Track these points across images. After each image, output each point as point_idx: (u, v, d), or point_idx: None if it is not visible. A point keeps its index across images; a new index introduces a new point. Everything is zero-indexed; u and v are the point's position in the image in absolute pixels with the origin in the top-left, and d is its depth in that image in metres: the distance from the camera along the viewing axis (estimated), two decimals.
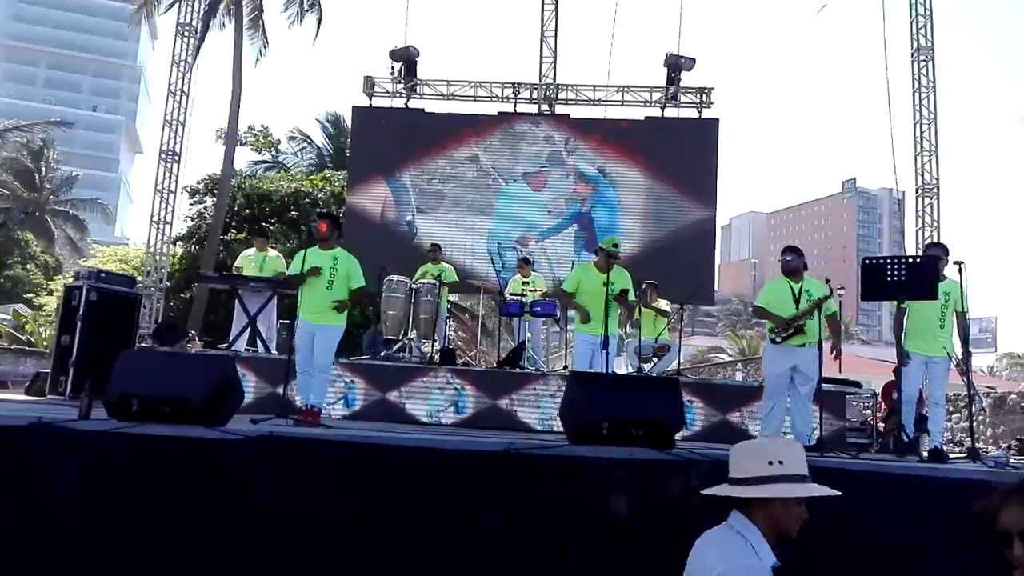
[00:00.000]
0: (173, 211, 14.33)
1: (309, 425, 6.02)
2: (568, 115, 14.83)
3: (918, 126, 13.14)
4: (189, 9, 14.83)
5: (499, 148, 14.29)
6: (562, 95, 15.19)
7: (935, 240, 12.71)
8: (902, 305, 6.23)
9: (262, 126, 26.79)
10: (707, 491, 2.39)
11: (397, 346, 9.63)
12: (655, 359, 9.94)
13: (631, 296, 7.17)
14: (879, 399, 9.54)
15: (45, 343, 19.10)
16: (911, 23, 13.28)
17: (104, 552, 3.85)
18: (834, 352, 6.41)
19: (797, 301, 6.45)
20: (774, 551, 2.24)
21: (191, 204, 21.69)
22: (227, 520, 3.96)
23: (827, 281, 6.57)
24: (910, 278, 5.86)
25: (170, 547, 3.87)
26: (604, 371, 6.69)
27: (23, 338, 21.31)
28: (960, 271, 6.21)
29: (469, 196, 14.22)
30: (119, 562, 3.83)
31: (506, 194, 14.19)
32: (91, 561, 3.83)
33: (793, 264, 6.62)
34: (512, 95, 15.00)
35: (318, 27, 20.12)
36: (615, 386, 5.53)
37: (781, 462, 2.31)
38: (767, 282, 7.46)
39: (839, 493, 2.33)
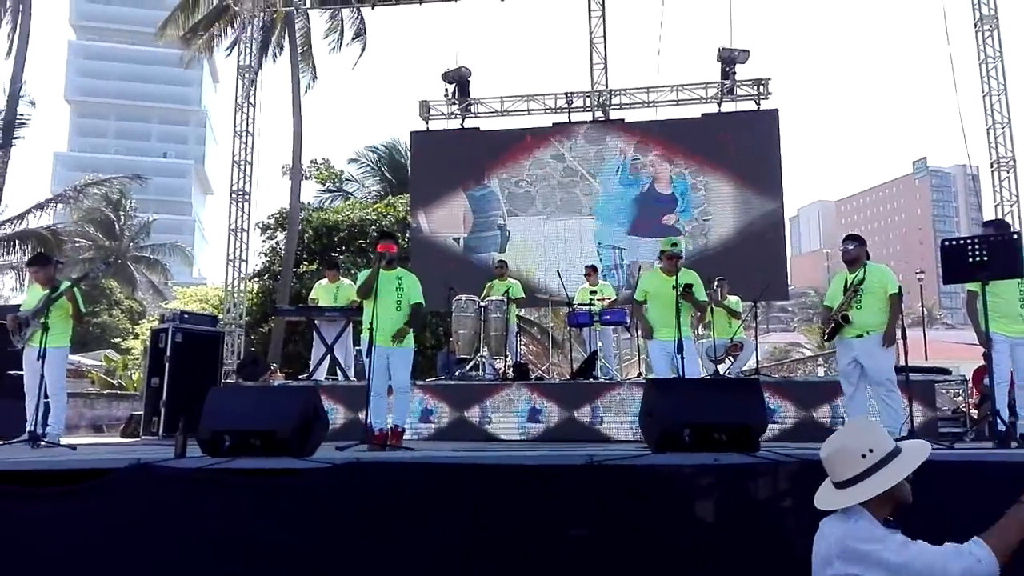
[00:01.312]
0: (247, 248, 14.83)
1: (392, 448, 6.14)
2: (623, 119, 14.79)
3: (987, 98, 12.70)
4: (248, 52, 15.35)
5: (560, 162, 14.36)
6: (616, 100, 15.16)
7: (1015, 215, 12.26)
8: (985, 286, 5.96)
9: (323, 159, 27.49)
10: (824, 506, 2.41)
11: (470, 364, 9.71)
12: (730, 359, 9.80)
13: (698, 293, 6.99)
14: (970, 385, 9.19)
15: (135, 386, 19.87)
16: None
17: None
18: (885, 340, 6.11)
19: (846, 292, 6.28)
20: (894, 519, 2.35)
21: (263, 240, 22.38)
22: (321, 548, 4.06)
23: (863, 265, 6.30)
24: (994, 257, 5.64)
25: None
26: (681, 376, 6.62)
27: (114, 382, 22.21)
28: None
29: (547, 206, 14.37)
30: None
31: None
32: None
33: (853, 253, 6.39)
34: (566, 105, 15.05)
35: (361, 53, 20.45)
36: (693, 391, 5.45)
37: (871, 450, 2.36)
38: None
39: (929, 448, 2.43)
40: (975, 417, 8.50)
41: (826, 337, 6.51)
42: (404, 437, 6.71)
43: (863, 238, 6.63)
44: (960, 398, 8.67)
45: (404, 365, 6.52)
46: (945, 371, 8.92)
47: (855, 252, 6.40)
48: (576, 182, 14.28)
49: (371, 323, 6.23)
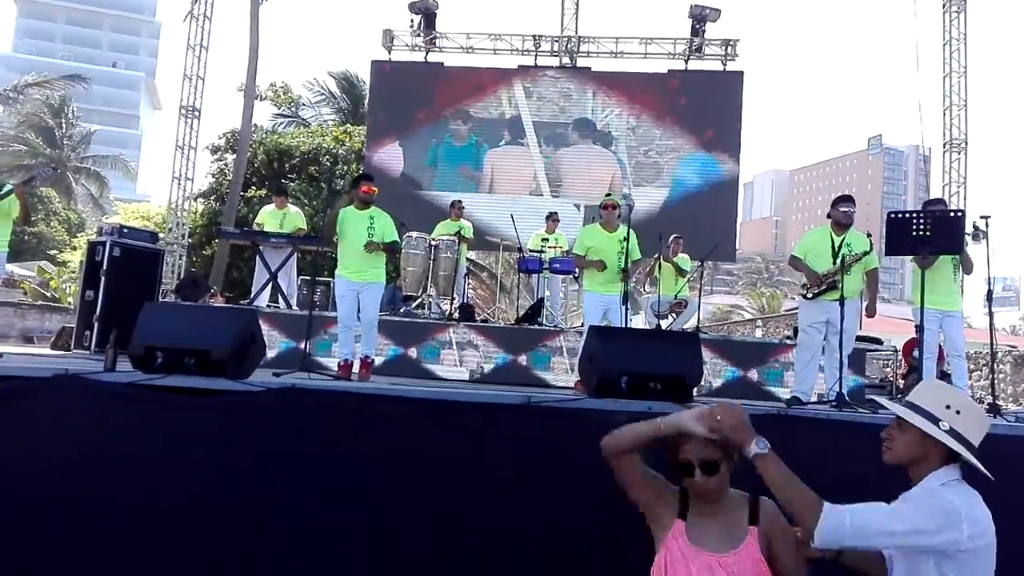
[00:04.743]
0: (194, 167, 14.41)
1: (361, 379, 6.20)
2: (590, 68, 14.65)
3: (947, 79, 12.88)
4: None
5: (524, 104, 14.22)
6: (584, 47, 14.98)
7: (961, 196, 12.56)
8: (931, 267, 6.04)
9: (282, 83, 26.67)
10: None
11: (416, 302, 9.66)
12: (673, 315, 9.90)
13: (633, 252, 6.86)
14: (900, 356, 9.48)
15: (70, 299, 19.35)
16: None
17: (129, 502, 3.93)
18: (867, 311, 6.28)
19: (836, 255, 6.19)
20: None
21: (212, 160, 21.75)
22: (250, 470, 4.02)
23: (868, 235, 6.32)
24: (936, 233, 5.74)
25: (193, 496, 3.95)
26: (623, 326, 6.67)
27: (48, 294, 21.60)
28: (986, 226, 6.10)
29: (498, 154, 14.23)
30: (144, 511, 3.91)
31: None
32: (117, 511, 3.91)
33: (853, 217, 6.28)
34: (533, 48, 14.82)
35: None
36: (634, 340, 5.50)
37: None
38: (808, 231, 6.98)
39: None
40: (901, 387, 8.80)
41: (809, 295, 6.30)
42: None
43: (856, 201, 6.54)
44: (889, 368, 8.94)
45: (374, 301, 6.66)
46: (878, 341, 9.18)
47: (854, 216, 6.33)
48: (518, 142, 14.27)
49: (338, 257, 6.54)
